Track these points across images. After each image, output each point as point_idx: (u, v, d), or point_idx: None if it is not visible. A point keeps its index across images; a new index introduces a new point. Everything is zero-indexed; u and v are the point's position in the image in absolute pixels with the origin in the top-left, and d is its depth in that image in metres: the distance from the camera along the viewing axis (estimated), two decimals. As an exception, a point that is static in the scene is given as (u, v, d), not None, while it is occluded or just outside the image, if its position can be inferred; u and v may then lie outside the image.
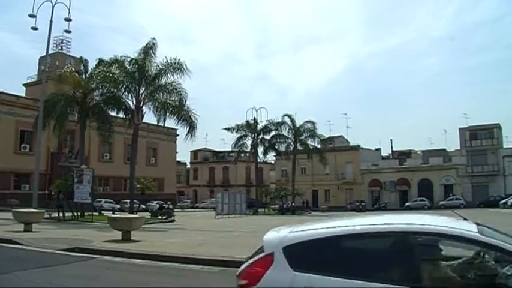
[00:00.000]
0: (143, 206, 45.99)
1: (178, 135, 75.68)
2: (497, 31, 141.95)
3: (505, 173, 71.08)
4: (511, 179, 70.20)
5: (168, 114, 35.05)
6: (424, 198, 71.61)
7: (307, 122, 64.76)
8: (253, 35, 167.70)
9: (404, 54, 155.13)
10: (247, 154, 71.78)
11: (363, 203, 70.89)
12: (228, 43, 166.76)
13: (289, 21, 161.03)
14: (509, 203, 53.64)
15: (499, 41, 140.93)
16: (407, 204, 71.92)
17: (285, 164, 78.43)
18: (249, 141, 65.10)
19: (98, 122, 39.37)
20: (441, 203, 69.45)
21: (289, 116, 63.99)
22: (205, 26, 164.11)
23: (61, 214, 33.02)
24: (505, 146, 75.30)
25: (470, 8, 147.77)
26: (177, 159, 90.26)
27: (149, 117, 40.27)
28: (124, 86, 34.68)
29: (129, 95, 35.49)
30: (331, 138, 76.04)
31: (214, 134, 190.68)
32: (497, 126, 74.48)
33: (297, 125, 64.55)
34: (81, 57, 41.99)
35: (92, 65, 38.61)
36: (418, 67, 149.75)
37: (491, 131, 74.11)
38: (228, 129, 64.98)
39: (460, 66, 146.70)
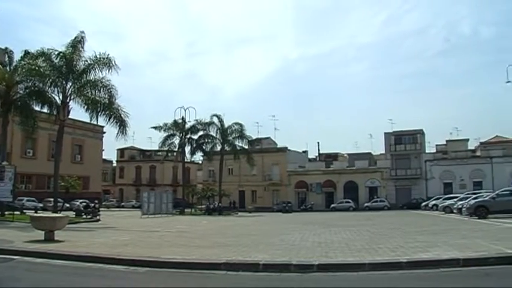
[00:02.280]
0: (67, 205, 44.73)
1: (105, 132, 74.20)
2: (422, 42, 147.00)
3: (427, 176, 73.78)
4: (432, 182, 72.84)
5: (97, 111, 34.03)
6: (350, 200, 73.18)
7: (235, 123, 64.63)
8: (183, 33, 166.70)
9: (333, 59, 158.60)
10: (175, 153, 70.96)
11: (289, 204, 71.20)
12: (158, 40, 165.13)
13: (221, 21, 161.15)
14: (430, 205, 55.29)
15: (423, 51, 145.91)
16: (333, 205, 73.26)
17: (213, 164, 77.99)
18: (176, 141, 64.30)
19: (21, 117, 37.59)
20: (366, 204, 71.19)
21: (218, 117, 63.72)
22: (135, 22, 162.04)
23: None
24: (427, 151, 78.17)
25: (398, 19, 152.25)
26: (103, 157, 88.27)
27: (76, 113, 39.17)
28: (50, 80, 33.38)
29: (56, 89, 34.17)
30: (259, 140, 76.30)
31: (141, 132, 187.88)
32: (421, 132, 77.16)
33: (226, 125, 64.32)
34: (6, 48, 40.08)
35: (17, 56, 37.03)
36: (346, 72, 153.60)
37: (414, 136, 76.56)
38: (155, 127, 63.96)
39: (386, 74, 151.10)
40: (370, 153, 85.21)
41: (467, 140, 79.60)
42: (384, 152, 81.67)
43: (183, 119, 62.76)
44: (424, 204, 59.65)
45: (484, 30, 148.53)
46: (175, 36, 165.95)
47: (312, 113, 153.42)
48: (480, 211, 32.48)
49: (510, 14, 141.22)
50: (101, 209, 43.81)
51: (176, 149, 66.63)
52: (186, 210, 60.08)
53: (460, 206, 38.96)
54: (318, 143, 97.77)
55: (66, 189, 40.75)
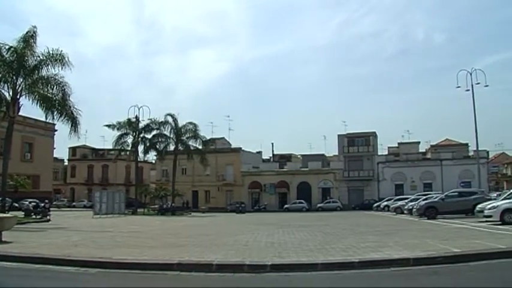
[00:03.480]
0: (16, 205, 43.74)
1: (56, 130, 72.64)
2: (376, 45, 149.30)
3: (379, 178, 75.06)
4: (384, 183, 74.12)
5: (50, 109, 33.33)
6: (303, 201, 73.60)
7: (189, 123, 64.15)
8: (139, 31, 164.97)
9: (288, 61, 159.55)
10: (128, 153, 70.09)
11: (243, 205, 71.10)
12: (114, 38, 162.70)
13: (177, 21, 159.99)
14: (381, 206, 56.19)
15: (378, 54, 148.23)
16: (286, 206, 73.55)
17: (166, 164, 77.24)
18: (130, 140, 63.49)
19: (-33, 113, 36.53)
20: (319, 205, 71.84)
21: (172, 116, 63.17)
22: (90, 18, 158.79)
23: None
24: (379, 153, 79.35)
25: (353, 22, 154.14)
26: (55, 155, 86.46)
27: (26, 110, 38.21)
28: (0, 75, 32.61)
29: (5, 85, 33.34)
30: (213, 140, 75.92)
31: (94, 130, 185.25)
32: (373, 134, 78.30)
33: (180, 125, 63.85)
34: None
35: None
36: (301, 74, 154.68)
37: (367, 139, 77.62)
38: (109, 126, 62.93)
39: (341, 76, 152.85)
40: (323, 155, 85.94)
41: (419, 142, 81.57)
42: (337, 153, 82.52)
43: (136, 117, 62.07)
44: (376, 205, 60.61)
45: (436, 36, 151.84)
46: (131, 34, 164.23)
47: (266, 114, 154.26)
48: (430, 212, 33.29)
49: (462, 21, 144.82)
50: (51, 209, 42.93)
51: (129, 148, 65.80)
52: (138, 210, 59.46)
53: (410, 207, 39.77)
54: (272, 143, 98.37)
55: (15, 189, 39.81)
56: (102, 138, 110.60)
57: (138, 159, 66.75)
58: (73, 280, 10.26)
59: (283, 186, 79.98)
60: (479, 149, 51.19)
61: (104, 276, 10.47)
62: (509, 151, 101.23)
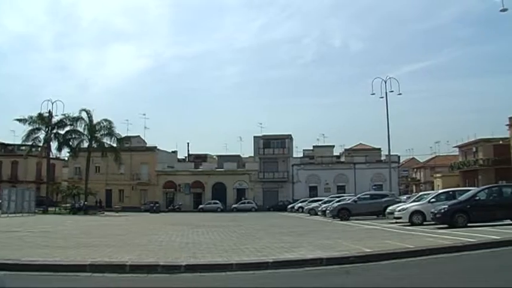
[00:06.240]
0: None
1: (-39, 124, 69.51)
2: (295, 50, 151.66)
3: (293, 179, 76.35)
4: (298, 185, 75.49)
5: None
6: (218, 201, 73.63)
7: (104, 120, 62.69)
8: (55, 22, 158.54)
9: (207, 60, 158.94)
10: (40, 149, 67.81)
11: (157, 204, 70.39)
12: (27, 27, 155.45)
13: (95, 14, 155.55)
14: (296, 207, 57.06)
15: (296, 59, 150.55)
16: (201, 206, 73.35)
17: (79, 161, 74.93)
18: (42, 135, 61.49)
19: None
20: (234, 206, 72.16)
21: (87, 112, 61.47)
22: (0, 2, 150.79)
23: None
24: (294, 155, 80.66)
25: (274, 26, 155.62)
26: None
27: None
28: None
29: None
30: (128, 138, 74.78)
31: (4, 124, 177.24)
32: (289, 137, 79.50)
33: (94, 121, 62.32)
34: None
35: None
36: (219, 75, 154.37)
37: (283, 141, 78.63)
38: (19, 120, 60.56)
39: (258, 78, 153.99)
40: (239, 156, 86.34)
41: (333, 146, 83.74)
42: (252, 154, 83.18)
43: (49, 112, 60.17)
44: (290, 206, 61.51)
45: (353, 44, 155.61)
46: (46, 25, 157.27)
47: (183, 113, 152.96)
48: (343, 213, 34.21)
49: (377, 30, 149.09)
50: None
51: (41, 144, 63.74)
52: (50, 209, 57.71)
53: (324, 209, 40.63)
54: (188, 143, 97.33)
55: None
56: (13, 133, 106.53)
57: (51, 156, 64.78)
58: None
59: (198, 186, 79.72)
60: (391, 153, 53.01)
61: (11, 279, 9.72)
62: (418, 156, 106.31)
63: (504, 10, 26.65)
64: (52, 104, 60.23)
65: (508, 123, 58.43)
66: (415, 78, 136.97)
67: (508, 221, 20.56)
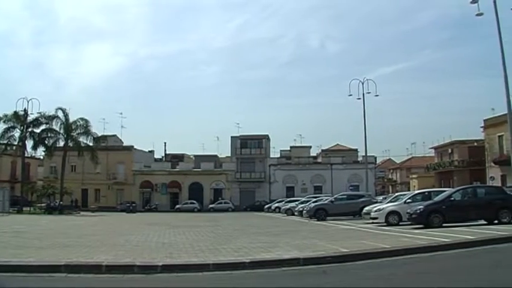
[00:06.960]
0: None
1: None
2: (272, 51, 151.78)
3: (270, 180, 76.52)
4: (275, 185, 75.70)
5: None
6: (194, 201, 73.43)
7: (80, 118, 62.11)
8: (32, 19, 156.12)
9: (184, 60, 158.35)
10: (14, 147, 66.99)
11: (133, 204, 69.94)
12: (2, 22, 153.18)
13: (73, 11, 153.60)
14: (273, 208, 57.09)
15: (273, 60, 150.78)
16: (177, 206, 73.15)
17: (55, 161, 74.13)
18: (17, 134, 60.75)
19: None
20: (210, 206, 71.99)
21: (63, 110, 60.88)
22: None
23: None
24: (272, 156, 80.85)
25: (252, 26, 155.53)
26: None
27: None
28: None
29: None
30: (104, 137, 74.10)
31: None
32: (266, 137, 79.69)
33: (71, 120, 61.73)
34: None
35: None
36: (196, 74, 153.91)
37: (260, 141, 78.79)
38: (-7, 118, 59.94)
39: (236, 79, 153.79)
40: (216, 156, 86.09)
41: (310, 147, 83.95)
42: (229, 155, 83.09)
43: (25, 110, 59.52)
44: (267, 206, 61.40)
45: (330, 45, 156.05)
46: (22, 21, 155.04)
47: (160, 112, 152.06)
48: (319, 214, 34.36)
49: (354, 32, 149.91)
50: None
51: (16, 143, 63.01)
52: (24, 208, 56.90)
53: (301, 209, 40.70)
54: (165, 143, 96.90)
55: None
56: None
57: (26, 155, 64.06)
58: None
59: (175, 186, 79.43)
60: (368, 154, 53.29)
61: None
62: (395, 157, 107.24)
63: (480, 14, 26.84)
64: (28, 102, 59.59)
65: (483, 125, 59.08)
66: (392, 80, 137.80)
67: (482, 221, 20.83)
